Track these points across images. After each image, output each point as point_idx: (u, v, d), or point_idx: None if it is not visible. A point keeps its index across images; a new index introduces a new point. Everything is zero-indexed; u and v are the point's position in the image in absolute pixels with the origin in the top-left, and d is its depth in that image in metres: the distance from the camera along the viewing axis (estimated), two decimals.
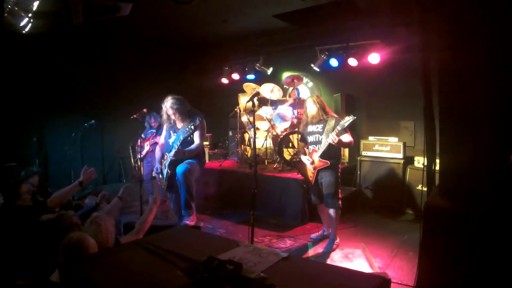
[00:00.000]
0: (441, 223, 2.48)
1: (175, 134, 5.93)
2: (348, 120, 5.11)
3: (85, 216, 4.85)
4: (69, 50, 9.19)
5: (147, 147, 8.18)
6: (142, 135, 8.30)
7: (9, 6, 6.40)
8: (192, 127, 5.61)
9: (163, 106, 5.94)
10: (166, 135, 6.14)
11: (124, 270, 1.70)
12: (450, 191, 2.56)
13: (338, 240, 5.70)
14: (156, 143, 7.82)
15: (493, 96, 2.34)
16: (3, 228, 3.75)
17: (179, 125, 5.93)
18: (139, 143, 8.13)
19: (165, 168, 5.96)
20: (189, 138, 5.76)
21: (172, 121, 6.00)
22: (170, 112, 5.85)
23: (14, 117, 8.41)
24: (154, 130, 8.20)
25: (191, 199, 5.82)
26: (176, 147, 5.68)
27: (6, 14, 6.54)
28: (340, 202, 5.55)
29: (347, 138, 5.37)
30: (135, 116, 7.78)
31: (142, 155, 8.18)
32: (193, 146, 5.83)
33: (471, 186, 2.42)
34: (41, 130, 8.85)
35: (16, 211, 3.90)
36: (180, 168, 5.72)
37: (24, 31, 7.24)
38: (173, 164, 5.84)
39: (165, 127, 6.21)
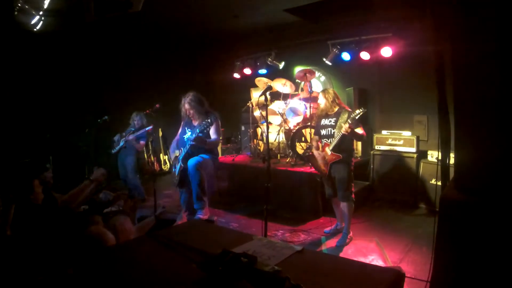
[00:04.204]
0: (457, 217, 2.45)
1: (190, 131, 6.05)
2: (358, 113, 5.14)
3: (100, 211, 4.90)
4: (81, 47, 9.24)
5: (122, 143, 8.18)
6: (123, 133, 8.32)
7: (19, 4, 6.44)
8: (209, 120, 5.70)
9: (182, 101, 6.09)
10: (182, 131, 6.28)
11: (140, 264, 1.72)
12: (465, 185, 2.54)
13: (351, 234, 5.69)
14: (129, 140, 7.93)
15: (509, 88, 2.31)
16: (18, 225, 3.78)
17: (195, 122, 6.07)
18: (116, 139, 8.20)
19: (179, 162, 6.03)
20: (205, 131, 5.84)
21: (188, 118, 6.11)
22: (187, 107, 6.01)
23: (27, 113, 8.49)
24: (133, 129, 8.19)
25: (202, 192, 5.93)
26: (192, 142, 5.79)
27: (16, 12, 6.59)
28: (353, 195, 5.54)
29: (359, 131, 5.38)
30: (148, 111, 7.83)
31: (115, 151, 8.25)
32: (209, 140, 5.94)
33: (487, 179, 2.40)
34: (54, 126, 8.92)
35: (28, 209, 3.93)
36: (191, 161, 5.83)
37: (35, 29, 7.29)
38: (187, 158, 5.94)
39: (182, 123, 6.34)
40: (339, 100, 5.76)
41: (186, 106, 6.03)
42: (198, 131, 5.74)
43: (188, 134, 6.04)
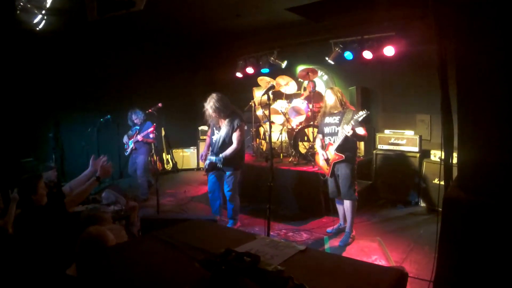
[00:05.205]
0: (460, 216, 2.45)
1: (217, 132, 6.17)
2: (361, 115, 5.13)
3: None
4: (84, 46, 9.26)
5: (131, 145, 8.19)
6: (130, 132, 8.32)
7: (22, 4, 6.44)
8: (230, 130, 5.98)
9: (205, 104, 6.10)
10: (211, 132, 6.40)
11: (142, 263, 1.72)
12: (469, 184, 2.53)
13: (354, 233, 5.69)
14: (138, 141, 7.94)
15: None
16: (19, 224, 3.78)
17: (221, 123, 6.14)
18: (125, 141, 8.21)
19: (207, 160, 6.21)
20: (227, 140, 6.05)
21: (214, 119, 6.19)
22: (211, 112, 6.04)
23: (30, 113, 8.51)
24: (138, 127, 8.22)
25: (235, 214, 6.39)
26: (217, 149, 6.13)
27: (18, 12, 6.59)
28: (356, 194, 5.54)
29: (361, 131, 5.36)
30: (150, 110, 7.82)
31: (127, 153, 8.28)
32: (228, 151, 6.00)
33: (491, 179, 2.39)
34: (56, 126, 8.94)
35: (34, 211, 3.92)
36: (226, 192, 6.23)
37: (38, 28, 7.29)
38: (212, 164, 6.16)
39: (210, 124, 6.44)
40: (345, 99, 5.76)
41: (210, 111, 6.04)
42: (218, 148, 6.08)
43: (216, 136, 6.19)
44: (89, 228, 2.83)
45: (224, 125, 6.06)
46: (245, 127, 6.35)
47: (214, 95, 6.03)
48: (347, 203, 5.59)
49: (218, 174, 6.30)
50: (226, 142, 6.06)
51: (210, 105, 5.99)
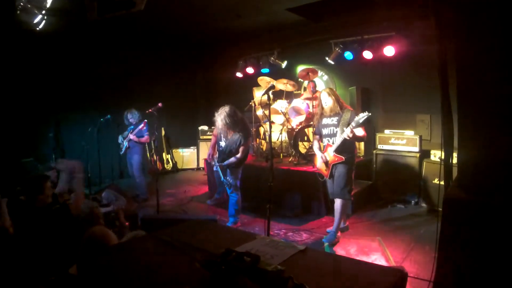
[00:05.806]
0: (460, 216, 2.45)
1: (225, 141, 6.46)
2: (362, 116, 5.05)
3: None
4: (84, 46, 9.25)
5: (126, 144, 8.21)
6: (126, 132, 8.32)
7: (22, 4, 6.44)
8: (237, 144, 6.31)
9: (216, 114, 6.34)
10: (219, 136, 6.61)
11: (142, 263, 1.72)
12: (469, 184, 2.53)
13: (339, 234, 5.69)
14: (130, 140, 7.97)
15: None
16: (25, 224, 3.78)
17: (229, 133, 6.37)
18: (120, 141, 8.23)
19: (214, 168, 6.74)
20: (233, 151, 6.37)
21: (222, 131, 6.45)
22: (219, 124, 6.29)
23: (30, 113, 8.51)
24: (133, 127, 8.21)
25: (236, 212, 6.55)
26: (224, 156, 6.47)
27: (18, 12, 6.59)
28: (351, 194, 5.53)
29: (360, 132, 5.31)
30: (150, 110, 7.82)
31: (122, 152, 8.29)
32: (232, 159, 6.33)
33: (491, 178, 2.40)
34: (57, 126, 8.94)
35: (39, 211, 3.92)
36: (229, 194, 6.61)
37: (38, 28, 7.29)
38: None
39: (218, 131, 6.64)
40: (341, 100, 5.73)
41: (219, 124, 6.28)
42: (227, 151, 6.41)
43: (223, 143, 6.50)
44: (92, 228, 2.84)
45: (232, 138, 6.34)
46: (249, 144, 6.64)
47: (227, 109, 6.23)
48: (337, 202, 5.54)
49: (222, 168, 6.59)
50: (233, 152, 6.34)
51: (220, 117, 6.22)
